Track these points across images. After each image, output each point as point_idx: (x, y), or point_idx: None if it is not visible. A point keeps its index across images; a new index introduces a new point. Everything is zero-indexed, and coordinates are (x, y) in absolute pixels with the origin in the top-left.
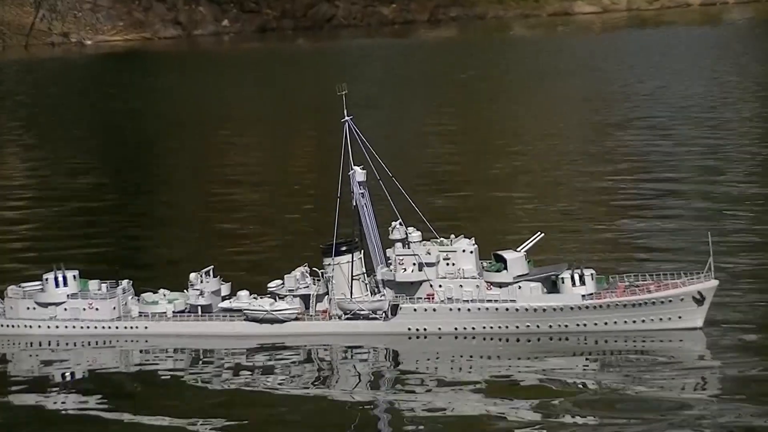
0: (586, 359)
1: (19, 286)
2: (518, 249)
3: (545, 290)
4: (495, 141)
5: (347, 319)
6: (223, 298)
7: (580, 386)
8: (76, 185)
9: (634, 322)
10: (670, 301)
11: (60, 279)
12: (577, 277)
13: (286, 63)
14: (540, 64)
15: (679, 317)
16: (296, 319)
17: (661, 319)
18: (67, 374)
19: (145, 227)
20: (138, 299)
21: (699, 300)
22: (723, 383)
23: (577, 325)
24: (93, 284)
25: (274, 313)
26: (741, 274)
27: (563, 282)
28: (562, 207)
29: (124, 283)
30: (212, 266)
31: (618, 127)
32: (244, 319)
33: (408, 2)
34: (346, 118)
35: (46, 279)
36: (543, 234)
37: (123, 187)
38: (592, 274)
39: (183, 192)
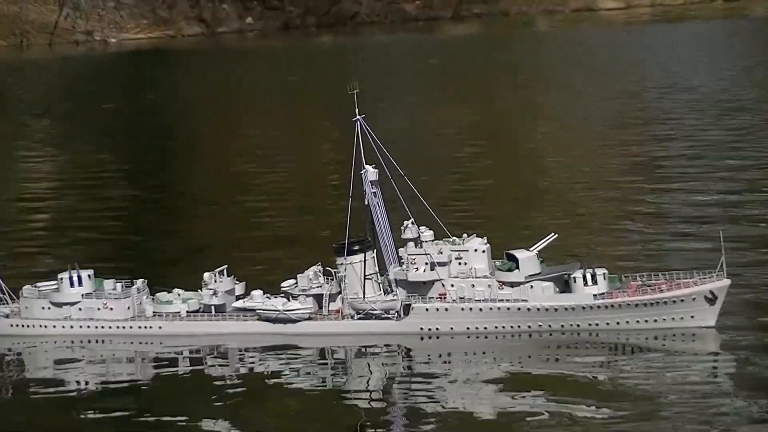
0: (598, 359)
1: (35, 286)
2: (530, 248)
3: (557, 290)
4: (512, 138)
5: (360, 318)
6: (237, 298)
7: (592, 387)
8: (95, 184)
9: (646, 321)
10: (682, 300)
11: (75, 278)
12: (589, 276)
13: (309, 60)
14: (561, 59)
15: (692, 317)
16: (309, 318)
17: (673, 318)
18: (81, 374)
19: (161, 226)
20: (153, 299)
21: (711, 299)
22: (735, 383)
23: (589, 324)
24: (108, 284)
25: (287, 312)
26: (753, 273)
27: (575, 281)
28: (576, 206)
29: (139, 282)
30: (226, 266)
31: (634, 124)
32: (258, 319)
33: None
34: (358, 117)
35: (61, 278)
36: (556, 235)
37: (141, 186)
38: (604, 274)
39: (198, 193)
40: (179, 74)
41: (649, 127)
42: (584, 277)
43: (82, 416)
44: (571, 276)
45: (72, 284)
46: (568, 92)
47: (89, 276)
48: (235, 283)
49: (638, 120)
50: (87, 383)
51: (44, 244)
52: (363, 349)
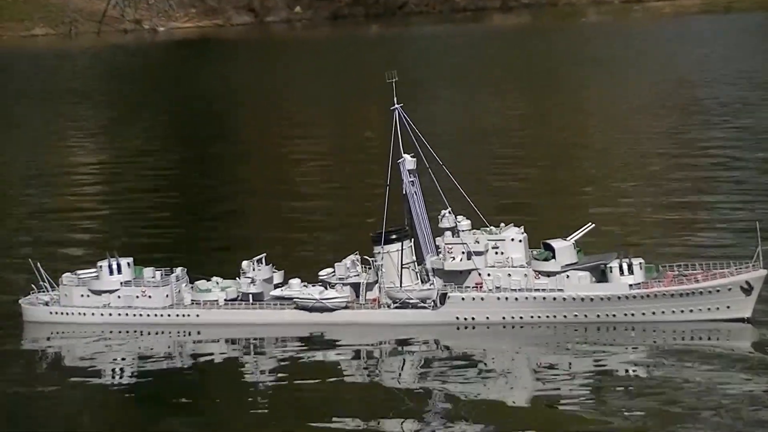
0: (634, 349)
1: (74, 274)
2: (567, 238)
3: (594, 279)
4: (552, 128)
5: (396, 307)
6: (276, 286)
7: (628, 378)
8: (136, 172)
9: (682, 311)
10: (718, 290)
11: (114, 266)
12: (625, 266)
13: (357, 49)
14: (610, 49)
15: (728, 307)
16: (346, 307)
17: (709, 309)
18: (119, 362)
19: (201, 215)
20: (192, 287)
21: (747, 290)
22: None
23: (625, 314)
24: (147, 272)
25: (323, 301)
26: None
27: (611, 271)
28: (614, 196)
29: (178, 270)
30: (264, 254)
31: (674, 114)
32: (294, 308)
33: None
34: (396, 106)
35: (101, 266)
36: (594, 224)
37: (181, 175)
38: (640, 264)
39: (239, 180)
40: (226, 63)
41: (689, 118)
42: (620, 267)
43: (119, 403)
44: (608, 266)
45: (111, 272)
46: (613, 83)
47: (128, 264)
48: (274, 272)
49: (679, 111)
50: (124, 371)
51: (84, 232)
52: (398, 339)
